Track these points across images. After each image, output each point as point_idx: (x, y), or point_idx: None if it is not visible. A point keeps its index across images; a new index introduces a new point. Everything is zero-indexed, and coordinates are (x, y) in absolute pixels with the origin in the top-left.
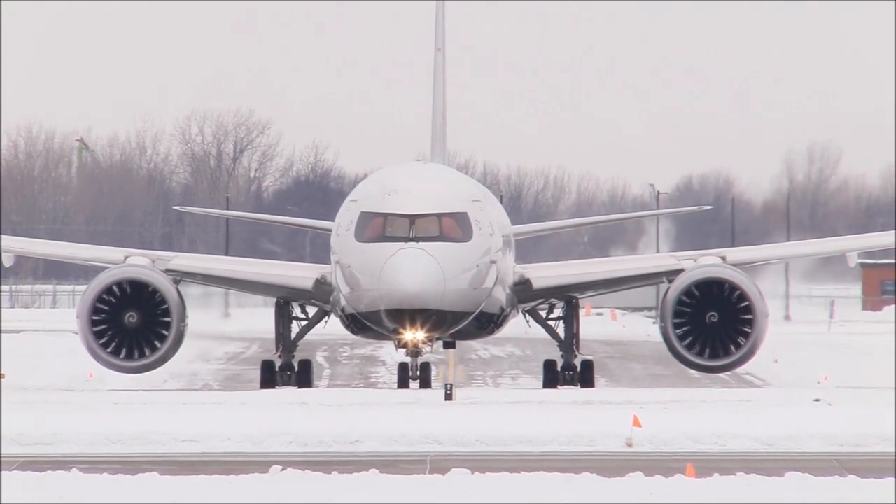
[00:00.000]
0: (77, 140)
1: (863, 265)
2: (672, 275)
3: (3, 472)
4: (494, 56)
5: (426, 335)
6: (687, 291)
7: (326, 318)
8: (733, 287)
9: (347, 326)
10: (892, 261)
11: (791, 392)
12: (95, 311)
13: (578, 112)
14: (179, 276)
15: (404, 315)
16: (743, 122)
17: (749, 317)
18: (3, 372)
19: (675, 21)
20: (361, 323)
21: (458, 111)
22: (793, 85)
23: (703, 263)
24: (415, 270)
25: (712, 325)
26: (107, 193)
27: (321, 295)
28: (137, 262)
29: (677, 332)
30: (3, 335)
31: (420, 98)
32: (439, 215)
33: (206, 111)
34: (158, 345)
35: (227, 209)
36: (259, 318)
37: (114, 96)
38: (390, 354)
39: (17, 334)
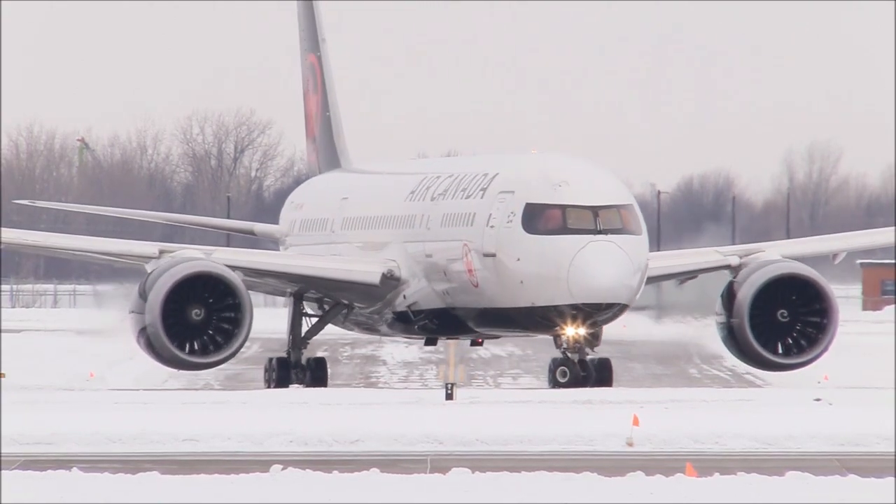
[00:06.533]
0: (78, 140)
1: (863, 265)
2: (719, 270)
3: (3, 472)
4: (495, 54)
5: (588, 330)
6: (764, 288)
7: (345, 313)
8: (810, 284)
9: (391, 325)
10: (892, 261)
11: (791, 392)
12: (165, 306)
13: (579, 111)
14: None
15: (592, 309)
16: (743, 122)
17: (817, 312)
18: (3, 372)
19: (675, 21)
20: (419, 321)
21: (458, 109)
22: (793, 85)
23: (771, 259)
24: (608, 264)
25: (782, 323)
26: (108, 193)
27: (383, 291)
28: (194, 255)
29: (755, 331)
30: (3, 335)
31: (420, 96)
32: (618, 207)
33: (206, 111)
34: (231, 339)
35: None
36: (259, 319)
37: (114, 96)
38: (391, 354)
39: (18, 334)
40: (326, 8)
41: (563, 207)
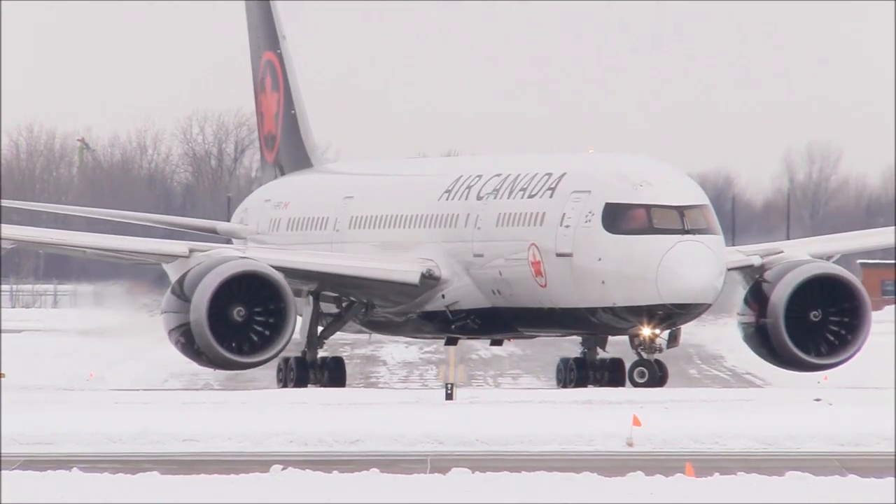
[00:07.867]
0: (78, 140)
1: (863, 265)
2: (742, 270)
3: (3, 472)
4: (497, 53)
5: (664, 329)
6: (800, 288)
7: (363, 311)
8: (843, 283)
9: (410, 324)
10: (892, 261)
11: (791, 392)
12: (211, 305)
13: (579, 111)
14: None
15: (680, 309)
16: (743, 122)
17: (849, 312)
18: (3, 372)
19: (676, 21)
20: (449, 321)
21: (459, 107)
22: (793, 85)
23: (801, 259)
24: (697, 264)
25: (813, 323)
26: (108, 193)
27: (420, 290)
28: (232, 254)
29: (788, 330)
30: (3, 335)
31: (420, 95)
32: (700, 207)
33: (206, 111)
34: (277, 336)
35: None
36: None
37: (114, 96)
38: (391, 354)
39: (18, 334)
40: (324, 6)
41: (647, 207)
